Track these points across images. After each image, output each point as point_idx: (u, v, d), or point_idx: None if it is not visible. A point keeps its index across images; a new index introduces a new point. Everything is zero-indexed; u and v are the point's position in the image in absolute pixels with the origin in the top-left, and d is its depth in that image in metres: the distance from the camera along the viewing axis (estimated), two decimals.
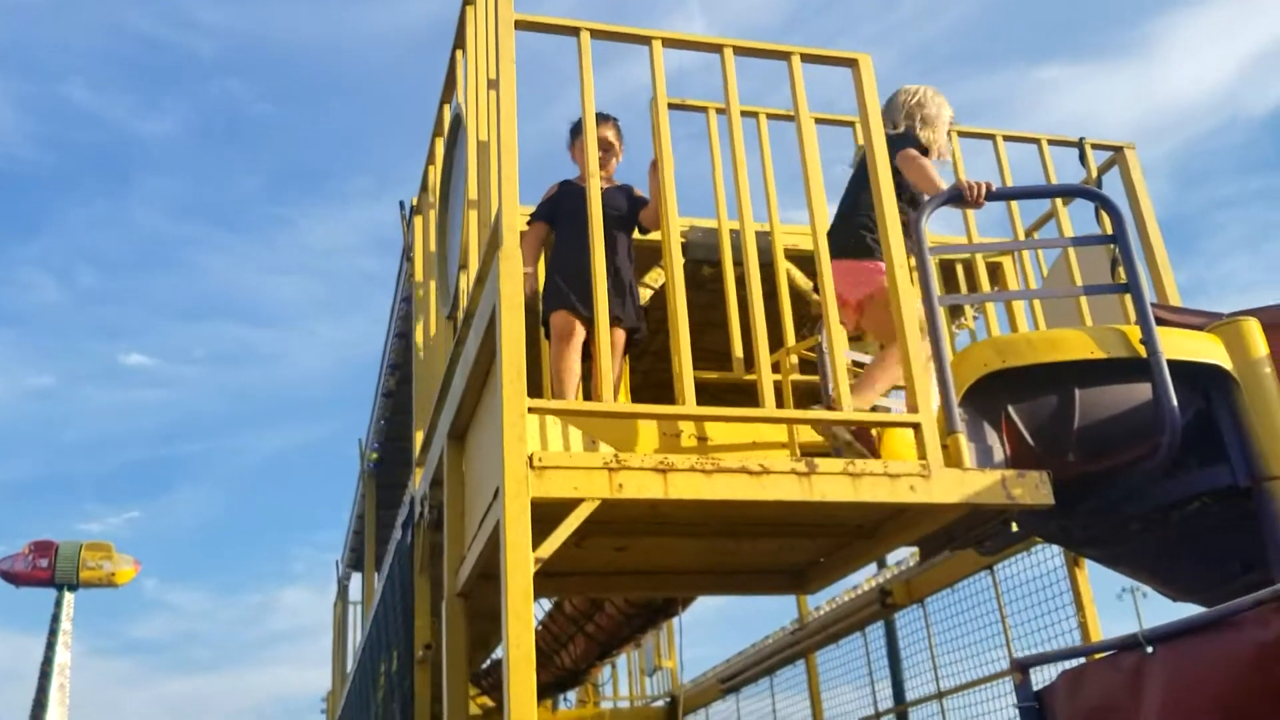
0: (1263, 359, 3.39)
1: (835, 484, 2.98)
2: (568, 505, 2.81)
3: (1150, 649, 2.37)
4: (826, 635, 8.03)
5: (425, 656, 4.48)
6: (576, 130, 4.17)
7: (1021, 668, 2.66)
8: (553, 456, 2.83)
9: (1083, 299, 4.68)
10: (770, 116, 4.37)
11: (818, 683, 8.60)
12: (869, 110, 3.54)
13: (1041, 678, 2.90)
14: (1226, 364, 3.39)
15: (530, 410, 2.87)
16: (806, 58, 3.55)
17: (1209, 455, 3.39)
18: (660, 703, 11.42)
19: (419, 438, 4.86)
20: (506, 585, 2.66)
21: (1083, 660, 2.70)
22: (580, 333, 3.73)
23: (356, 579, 11.04)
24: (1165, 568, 3.80)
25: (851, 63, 3.59)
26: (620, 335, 3.82)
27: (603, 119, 4.05)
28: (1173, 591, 3.86)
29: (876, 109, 3.55)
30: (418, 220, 5.27)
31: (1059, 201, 5.02)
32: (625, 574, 4.05)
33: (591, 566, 3.87)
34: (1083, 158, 5.13)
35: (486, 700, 10.02)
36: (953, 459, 3.11)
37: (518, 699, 2.56)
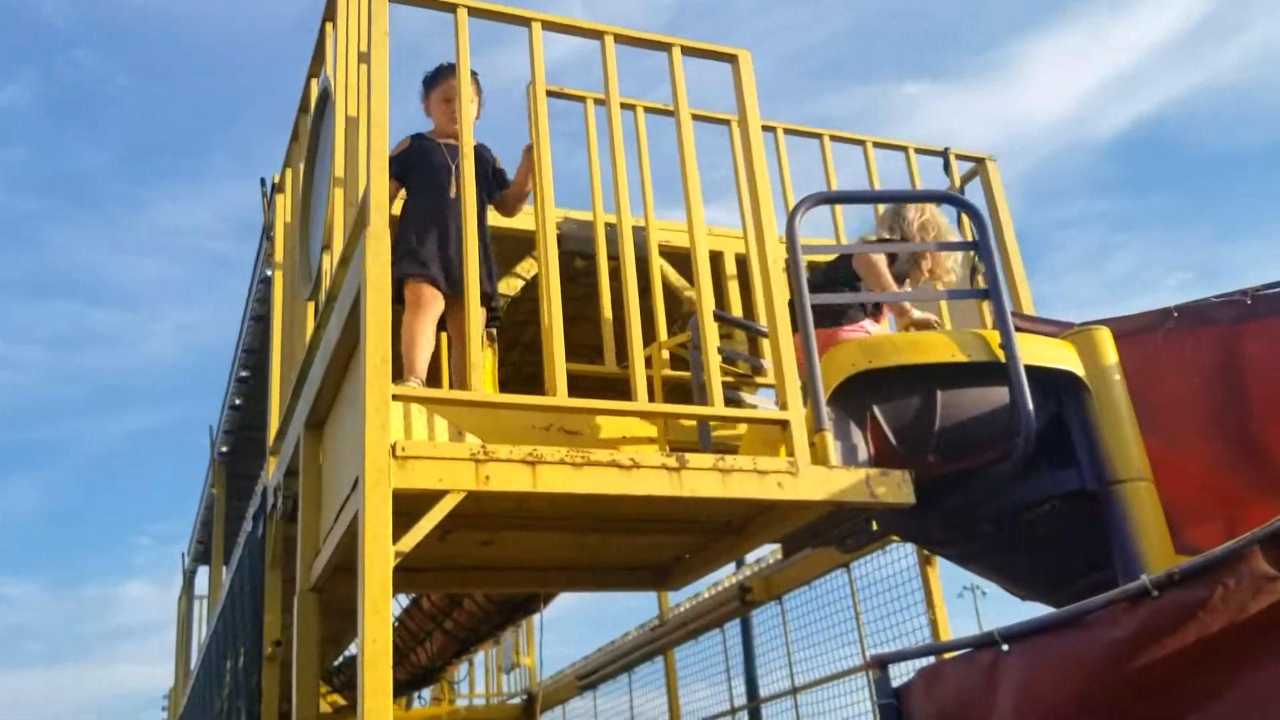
0: (1113, 366, 3.53)
1: (705, 480, 2.96)
2: (432, 497, 2.71)
3: (1005, 647, 2.42)
4: (686, 632, 8.08)
5: (275, 653, 4.31)
6: (431, 82, 3.97)
7: (880, 664, 2.69)
8: (417, 446, 2.73)
9: (943, 304, 4.81)
10: (649, 110, 4.34)
11: (675, 679, 8.65)
12: (746, 107, 3.54)
13: (898, 673, 2.93)
14: (1079, 370, 3.51)
15: (394, 397, 2.77)
16: (687, 50, 3.53)
17: (1059, 459, 3.51)
18: (517, 700, 11.32)
19: (274, 425, 4.67)
20: (364, 579, 2.56)
21: (937, 658, 2.75)
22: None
23: (203, 572, 10.61)
24: (1015, 567, 3.92)
25: (731, 58, 3.59)
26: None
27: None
28: (1021, 590, 3.98)
29: (755, 106, 3.55)
30: (280, 198, 5.06)
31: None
32: (490, 569, 3.96)
33: (455, 561, 3.77)
34: (947, 167, 5.27)
35: (338, 698, 9.75)
36: (819, 457, 3.13)
37: (373, 696, 2.46)
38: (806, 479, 3.07)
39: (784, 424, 3.15)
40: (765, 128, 4.68)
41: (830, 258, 4.07)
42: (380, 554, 2.57)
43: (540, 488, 2.78)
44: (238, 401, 6.93)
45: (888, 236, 4.00)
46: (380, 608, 2.54)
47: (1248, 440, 4.09)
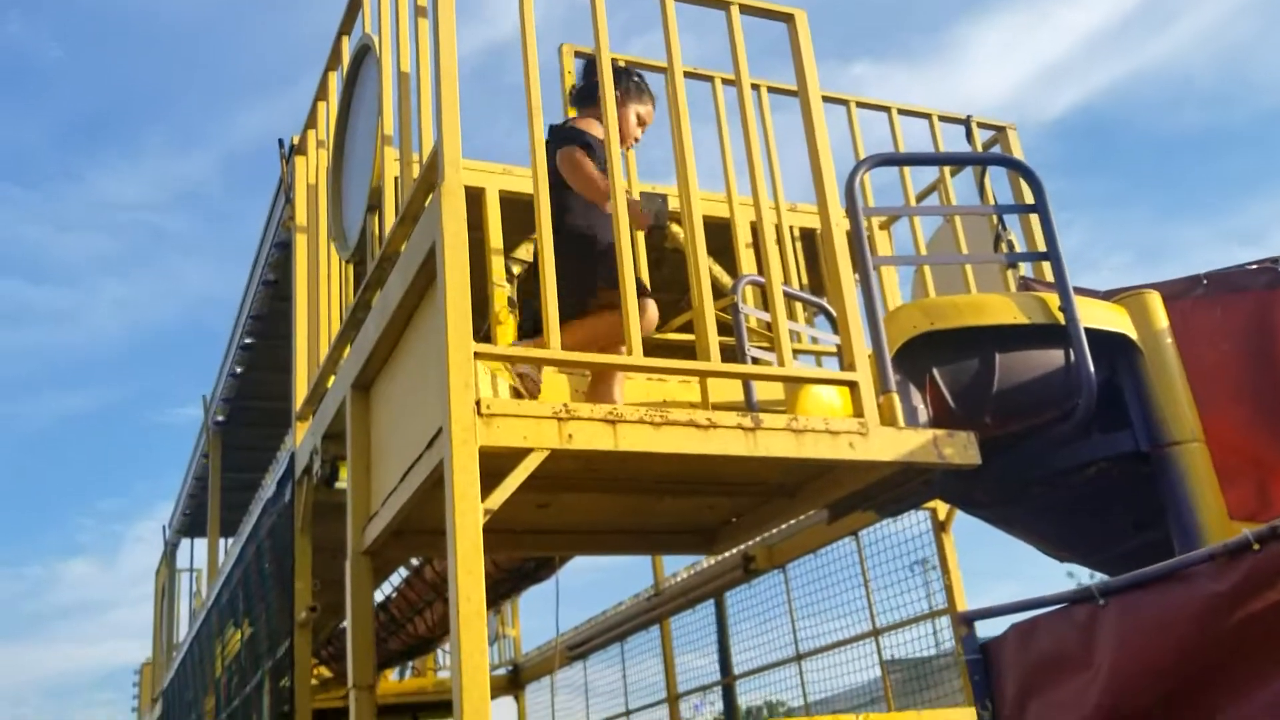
0: (1164, 330, 3.56)
1: (779, 439, 2.95)
2: (516, 455, 2.68)
3: (1103, 601, 2.44)
4: (685, 601, 8.10)
5: (308, 619, 4.25)
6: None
7: (966, 621, 2.70)
8: (501, 404, 2.70)
9: (969, 272, 4.83)
10: (688, 75, 4.29)
11: (671, 649, 8.67)
12: (805, 70, 3.51)
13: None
14: (1132, 333, 3.53)
15: (476, 355, 2.72)
16: (745, 9, 3.49)
17: (1111, 422, 3.54)
18: (502, 670, 11.32)
19: (301, 390, 4.60)
20: (455, 538, 2.52)
21: (1026, 614, 2.77)
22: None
23: (186, 544, 10.47)
24: (1059, 529, 3.95)
25: (788, 18, 3.55)
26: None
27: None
28: (1063, 552, 4.03)
29: (814, 68, 3.53)
30: (300, 160, 4.96)
31: (947, 173, 5.15)
32: (541, 532, 3.93)
33: (510, 524, 3.74)
34: (969, 135, 5.28)
35: (324, 670, 9.70)
36: (886, 417, 3.13)
37: (470, 655, 2.43)
38: (876, 439, 3.07)
39: (853, 385, 3.14)
40: (787, 92, 4.67)
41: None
42: (470, 512, 2.54)
43: (622, 446, 2.76)
44: (238, 369, 6.81)
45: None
46: (473, 567, 2.51)
47: (1276, 407, 4.15)
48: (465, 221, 2.79)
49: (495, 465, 2.69)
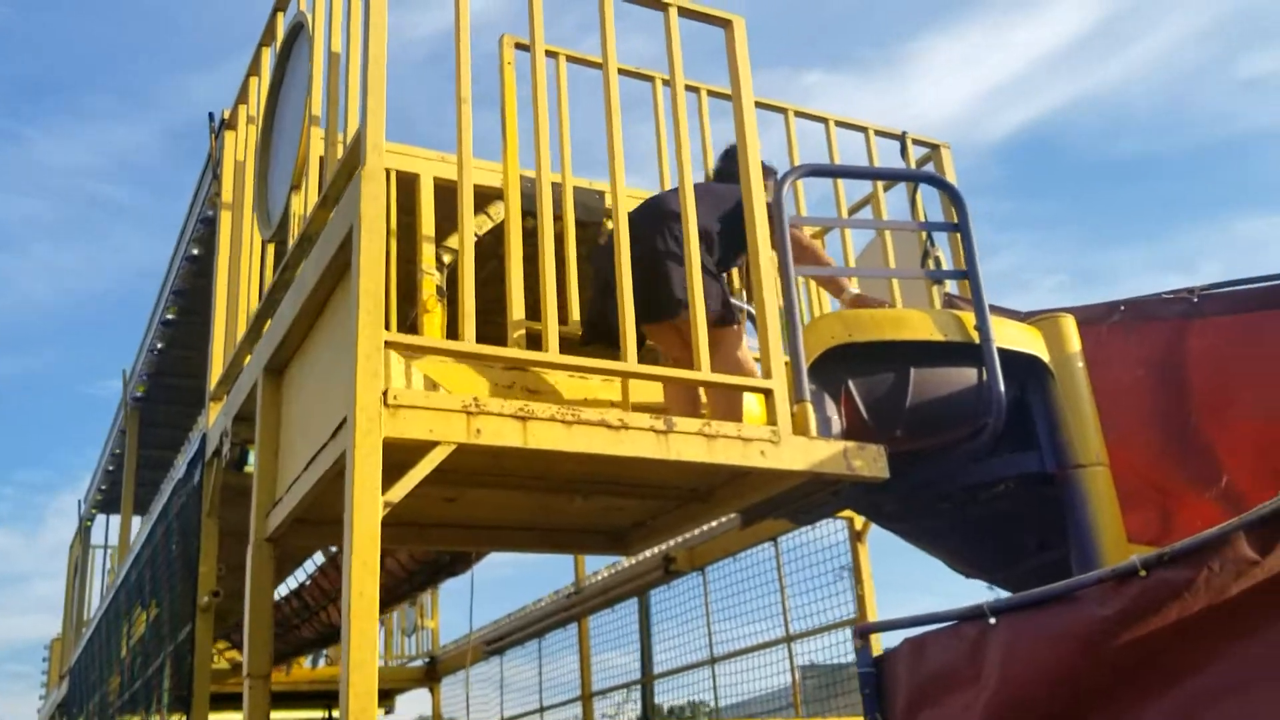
0: (1076, 353, 3.62)
1: (691, 444, 2.95)
2: (422, 448, 2.64)
3: (993, 620, 2.47)
4: (604, 600, 8.09)
5: (210, 604, 4.17)
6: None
7: (862, 634, 2.73)
8: (409, 395, 2.66)
9: (895, 286, 4.88)
10: (623, 72, 4.27)
11: (588, 647, 8.66)
12: (740, 76, 3.52)
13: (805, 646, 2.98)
14: (1044, 355, 3.59)
15: (386, 344, 2.69)
16: (683, 12, 3.49)
17: (1021, 442, 3.59)
18: (419, 663, 11.22)
19: (216, 370, 4.51)
20: (352, 529, 2.48)
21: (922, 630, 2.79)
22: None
23: (102, 521, 10.24)
24: (964, 545, 4.01)
25: (726, 23, 3.55)
26: None
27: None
28: (967, 567, 4.08)
29: (748, 74, 3.53)
30: (229, 135, 4.86)
31: (880, 188, 5.20)
32: (448, 526, 3.89)
33: (416, 517, 3.70)
34: (903, 151, 5.33)
35: (236, 654, 9.54)
36: (799, 427, 3.15)
37: (359, 649, 2.39)
38: (788, 448, 3.08)
39: (767, 392, 3.15)
40: (725, 97, 4.69)
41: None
42: (370, 503, 2.50)
43: (531, 444, 2.74)
44: (159, 345, 6.66)
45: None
46: (368, 559, 2.47)
47: (1186, 434, 4.25)
48: (384, 206, 2.75)
49: (401, 457, 2.66)
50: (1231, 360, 4.03)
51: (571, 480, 3.41)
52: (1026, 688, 2.40)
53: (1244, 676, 2.23)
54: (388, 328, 3.83)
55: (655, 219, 3.62)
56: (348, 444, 2.57)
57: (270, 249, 4.06)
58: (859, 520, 5.56)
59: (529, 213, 4.66)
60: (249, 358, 4.02)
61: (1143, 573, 2.32)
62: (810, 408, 3.19)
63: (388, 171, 4.73)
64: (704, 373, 3.12)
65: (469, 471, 3.23)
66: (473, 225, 2.90)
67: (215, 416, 4.41)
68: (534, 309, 3.34)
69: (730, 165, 3.99)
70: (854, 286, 3.91)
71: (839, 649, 6.36)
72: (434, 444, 2.64)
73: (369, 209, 2.71)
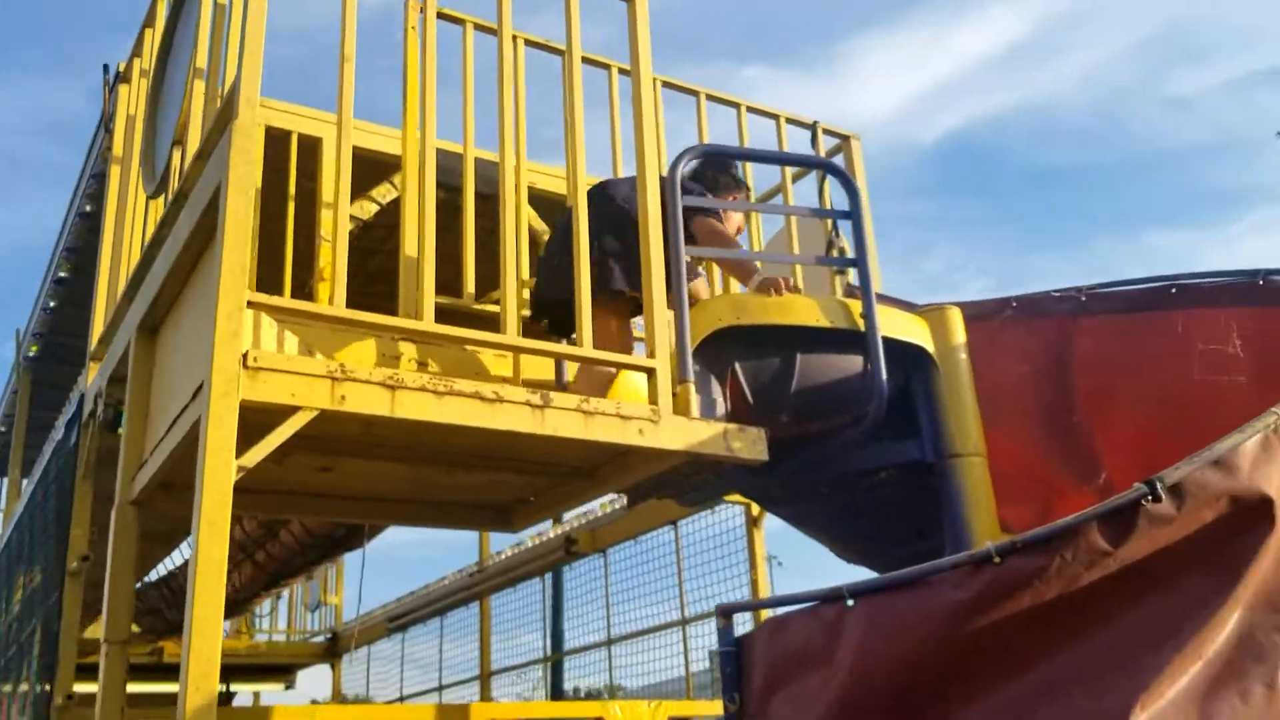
0: (961, 345, 3.66)
1: (568, 419, 2.92)
2: (281, 413, 2.58)
3: (851, 601, 2.48)
4: (506, 579, 8.05)
5: (79, 569, 4.05)
6: (738, 183, 4.01)
7: (725, 613, 2.72)
8: (270, 358, 2.59)
9: (799, 273, 4.90)
10: (529, 44, 4.22)
11: (489, 625, 8.62)
12: (640, 53, 3.48)
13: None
14: (929, 346, 3.62)
15: (250, 304, 2.61)
16: None
17: (901, 430, 3.63)
18: (321, 638, 11.07)
19: (97, 329, 4.37)
20: (203, 492, 2.41)
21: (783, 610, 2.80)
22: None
23: None
24: (846, 530, 4.04)
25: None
26: None
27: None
28: (848, 554, 4.11)
29: (648, 51, 3.50)
30: (124, 89, 4.71)
31: (789, 176, 5.21)
32: (325, 497, 3.81)
33: (289, 485, 3.62)
34: (814, 140, 5.34)
35: (134, 626, 9.32)
36: (680, 407, 3.14)
37: (203, 614, 2.33)
38: (667, 428, 3.07)
39: (650, 371, 3.13)
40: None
41: None
42: (222, 467, 2.43)
43: (398, 413, 2.68)
44: (52, 304, 6.45)
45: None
46: (217, 522, 2.40)
47: (1068, 430, 4.32)
48: (256, 163, 2.68)
49: (263, 421, 2.59)
50: (1113, 358, 4.11)
51: (449, 453, 3.36)
52: (881, 669, 2.42)
53: (1095, 663, 2.27)
54: (282, 295, 3.78)
55: (592, 204, 3.61)
56: (203, 404, 2.49)
57: (158, 206, 3.94)
58: (756, 506, 5.60)
59: (442, 185, 4.62)
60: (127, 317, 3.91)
61: (997, 559, 2.34)
62: (693, 388, 3.18)
63: (291, 135, 4.66)
64: (585, 349, 3.09)
65: (343, 440, 3.17)
66: (348, 186, 2.82)
67: (93, 377, 4.27)
68: (447, 285, 3.29)
69: (706, 170, 4.03)
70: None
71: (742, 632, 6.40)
72: (295, 409, 2.58)
73: (238, 163, 2.63)
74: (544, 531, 7.70)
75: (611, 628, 7.28)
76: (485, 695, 8.30)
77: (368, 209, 4.98)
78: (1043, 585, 2.32)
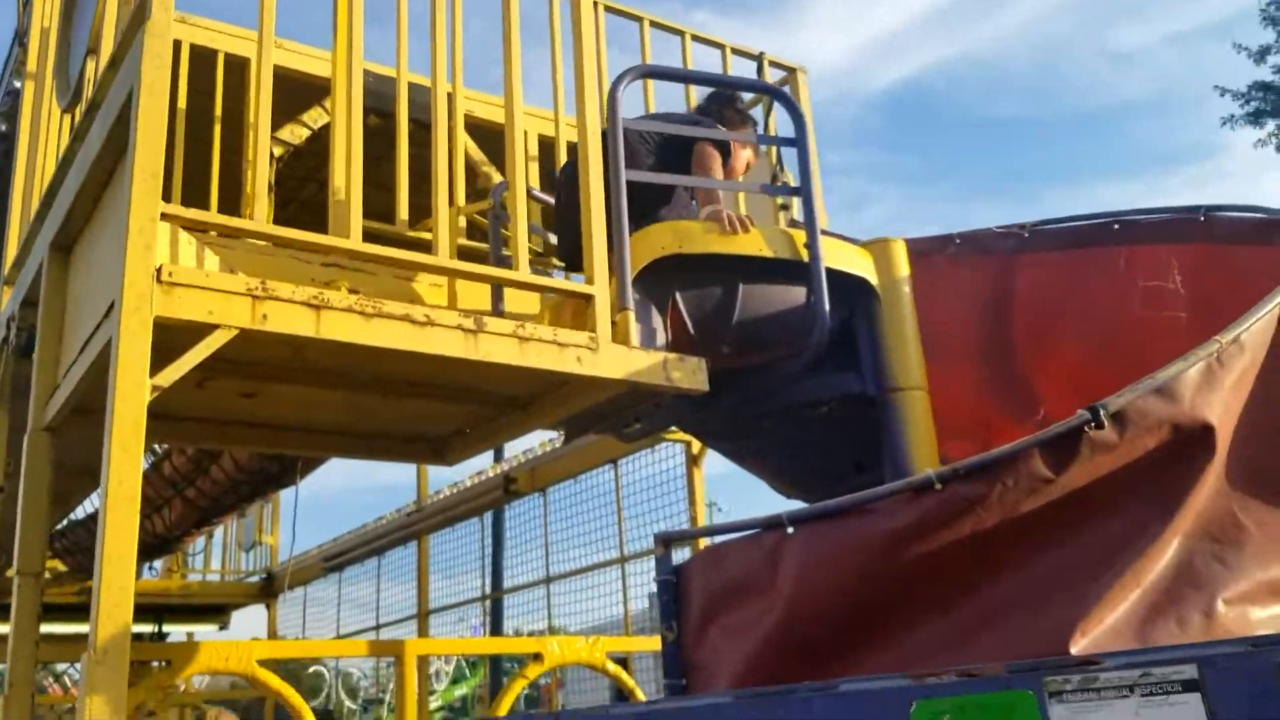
0: (905, 278, 3.61)
1: (502, 345, 2.82)
2: (199, 331, 2.45)
3: (790, 529, 2.44)
4: (444, 519, 7.97)
5: None
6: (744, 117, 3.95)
7: (664, 542, 2.67)
8: (186, 273, 2.46)
9: (742, 204, 4.82)
10: None
11: (427, 565, 8.55)
12: None
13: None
14: (873, 278, 3.57)
15: (163, 217, 2.47)
16: None
17: (843, 362, 3.58)
18: (256, 579, 10.93)
19: (11, 250, 4.16)
20: (114, 413, 2.28)
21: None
22: None
23: None
24: (786, 464, 4.00)
25: None
26: None
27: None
28: (789, 488, 4.08)
29: None
30: (38, 1, 4.45)
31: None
32: (251, 425, 3.68)
33: (212, 413, 3.48)
34: (760, 72, 5.24)
35: (58, 564, 9.11)
36: (620, 335, 3.05)
37: (115, 541, 2.21)
38: (605, 356, 2.98)
39: (588, 298, 3.04)
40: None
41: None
42: (134, 388, 2.30)
43: (324, 334, 2.57)
44: None
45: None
46: (130, 446, 2.28)
47: (1009, 367, 4.32)
48: (168, 68, 2.51)
49: (181, 342, 2.46)
50: (1053, 295, 4.10)
51: (381, 380, 3.25)
52: (820, 596, 2.38)
53: (1035, 589, 2.25)
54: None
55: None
56: (115, 323, 2.36)
57: (70, 120, 3.74)
58: (696, 444, 5.55)
59: (380, 112, 4.45)
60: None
61: (938, 486, 2.31)
62: (632, 316, 3.10)
63: (218, 54, 4.46)
64: (521, 273, 2.99)
65: (269, 365, 3.04)
66: (269, 103, 2.67)
67: (7, 301, 4.08)
68: (384, 216, 3.14)
69: (712, 104, 3.93)
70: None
71: None
72: (213, 327, 2.45)
73: (150, 66, 2.47)
74: (483, 471, 7.63)
75: (551, 567, 7.24)
76: (423, 634, 8.24)
77: (299, 134, 4.80)
78: (984, 512, 2.29)
